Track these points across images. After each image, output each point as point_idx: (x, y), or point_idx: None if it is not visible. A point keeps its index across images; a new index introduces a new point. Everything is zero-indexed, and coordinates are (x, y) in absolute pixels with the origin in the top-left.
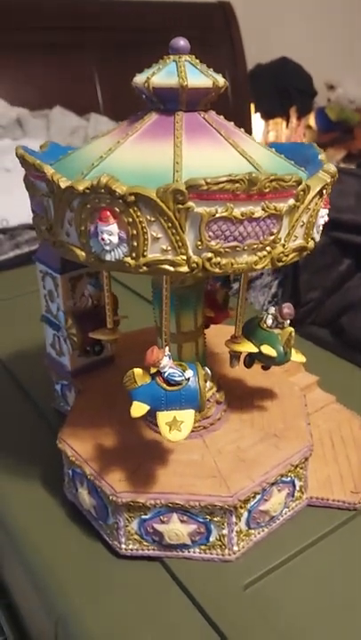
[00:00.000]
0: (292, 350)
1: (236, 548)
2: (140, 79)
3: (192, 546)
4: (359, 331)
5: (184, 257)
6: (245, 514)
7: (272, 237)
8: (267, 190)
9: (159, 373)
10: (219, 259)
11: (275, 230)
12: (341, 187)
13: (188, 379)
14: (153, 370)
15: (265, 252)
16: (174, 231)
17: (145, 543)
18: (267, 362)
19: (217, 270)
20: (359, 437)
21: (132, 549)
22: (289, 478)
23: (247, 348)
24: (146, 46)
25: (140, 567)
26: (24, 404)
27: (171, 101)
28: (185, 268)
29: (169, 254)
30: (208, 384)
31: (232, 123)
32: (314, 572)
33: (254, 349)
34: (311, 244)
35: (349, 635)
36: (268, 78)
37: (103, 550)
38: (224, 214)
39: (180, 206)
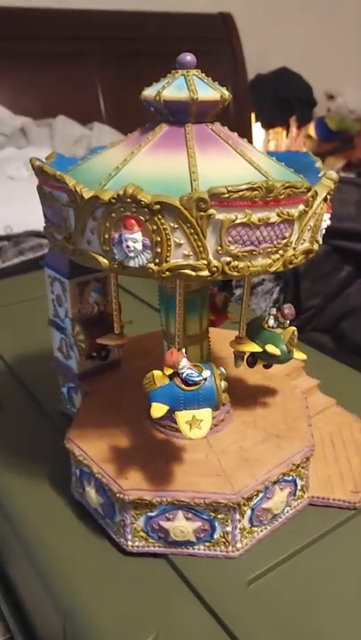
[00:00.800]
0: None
1: (239, 545)
2: (150, 93)
3: (197, 543)
4: (359, 335)
5: (205, 262)
6: (249, 511)
7: (285, 241)
8: (281, 197)
9: (177, 374)
10: (237, 262)
11: (287, 234)
12: (342, 196)
13: (206, 378)
14: (169, 371)
15: (278, 255)
16: (196, 237)
17: (151, 540)
18: (270, 360)
19: (235, 273)
20: (359, 439)
21: (138, 546)
22: (291, 477)
23: (252, 348)
24: (147, 55)
25: (145, 563)
26: (30, 407)
27: (181, 113)
28: (206, 273)
29: (190, 259)
30: (223, 383)
31: (235, 133)
32: (315, 568)
33: (258, 349)
34: (316, 247)
35: (350, 629)
36: (268, 88)
37: (110, 547)
38: (243, 220)
39: (203, 213)
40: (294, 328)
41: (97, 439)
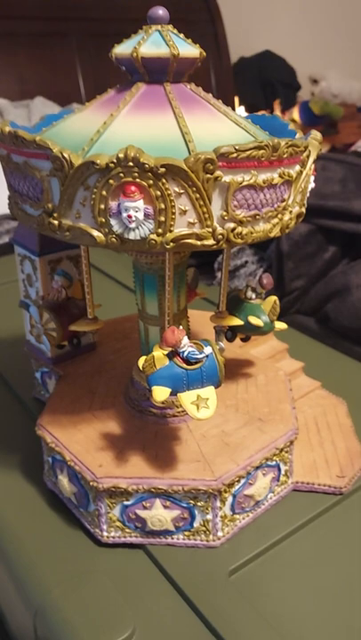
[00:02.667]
0: None
1: (220, 534)
2: (123, 50)
3: (176, 532)
4: (344, 318)
5: (210, 229)
6: (230, 498)
7: (283, 204)
8: (285, 156)
9: (176, 354)
10: (241, 229)
11: (286, 196)
12: (327, 174)
13: (207, 356)
14: (166, 350)
15: (277, 220)
16: (202, 203)
17: (127, 530)
18: (253, 332)
19: (239, 240)
20: (345, 423)
21: (113, 537)
22: (274, 462)
23: (234, 321)
24: (128, 37)
25: (121, 555)
26: (3, 393)
27: (159, 72)
28: (211, 241)
29: (195, 227)
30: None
31: (210, 94)
32: (300, 557)
33: (241, 322)
34: (304, 210)
35: (335, 619)
36: (251, 71)
37: (84, 538)
38: (250, 182)
39: (209, 176)
40: (275, 297)
41: (70, 425)
